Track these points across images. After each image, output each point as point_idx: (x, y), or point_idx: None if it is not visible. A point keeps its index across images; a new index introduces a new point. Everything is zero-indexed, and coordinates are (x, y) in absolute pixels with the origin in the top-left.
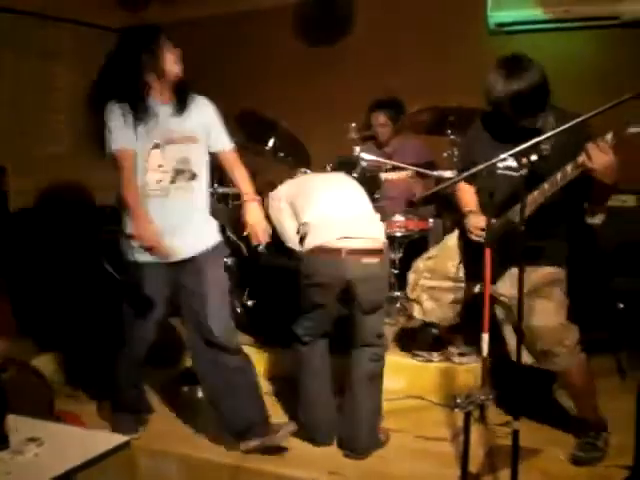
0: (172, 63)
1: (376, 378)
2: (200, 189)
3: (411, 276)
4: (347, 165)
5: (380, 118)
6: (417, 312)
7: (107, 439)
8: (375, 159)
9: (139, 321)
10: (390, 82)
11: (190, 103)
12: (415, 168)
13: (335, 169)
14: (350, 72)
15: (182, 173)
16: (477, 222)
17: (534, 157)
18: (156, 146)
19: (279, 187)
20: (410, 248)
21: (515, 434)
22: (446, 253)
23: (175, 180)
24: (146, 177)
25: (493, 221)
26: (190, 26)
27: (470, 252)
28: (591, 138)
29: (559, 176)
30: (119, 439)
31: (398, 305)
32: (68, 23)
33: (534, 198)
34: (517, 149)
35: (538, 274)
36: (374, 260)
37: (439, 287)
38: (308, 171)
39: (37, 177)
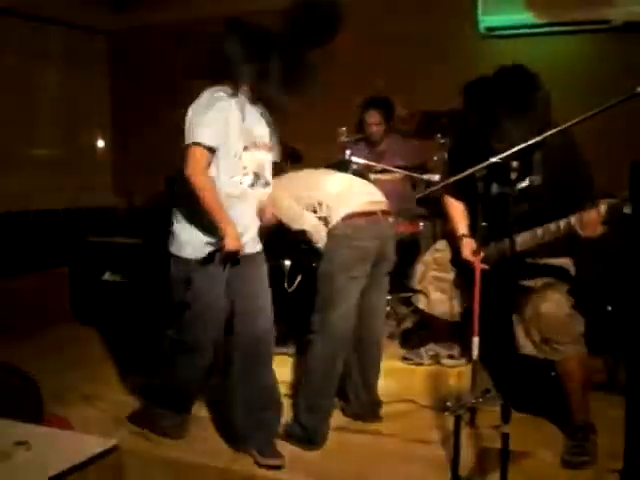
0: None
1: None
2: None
3: (419, 268)
4: (342, 168)
5: (374, 117)
6: (422, 304)
7: (96, 443)
8: (365, 162)
9: (210, 321)
10: (381, 85)
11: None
12: (404, 171)
13: None
14: (341, 75)
15: (259, 179)
16: (470, 248)
17: (524, 184)
18: (245, 148)
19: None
20: (401, 251)
21: (505, 437)
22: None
23: (254, 185)
24: (233, 179)
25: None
26: (181, 28)
27: (462, 266)
28: (582, 169)
29: (553, 228)
30: (108, 443)
31: (388, 309)
32: (56, 24)
33: (526, 240)
34: (496, 158)
35: (550, 263)
36: (392, 219)
37: (447, 279)
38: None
39: (22, 178)
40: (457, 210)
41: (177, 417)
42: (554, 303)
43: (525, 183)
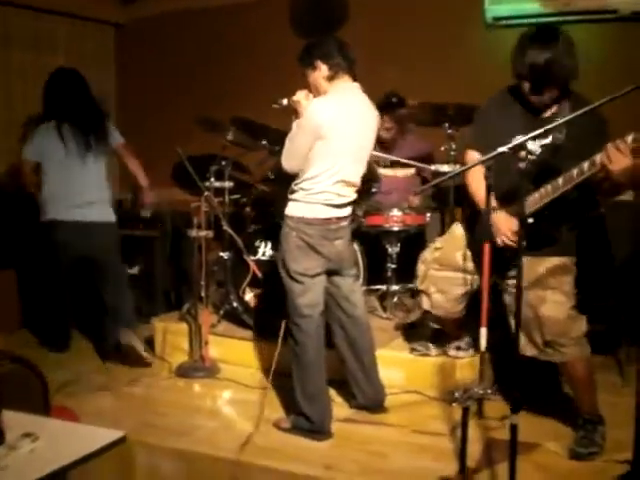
0: None
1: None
2: None
3: (420, 267)
4: None
5: (385, 121)
6: (426, 304)
7: (103, 434)
8: (373, 153)
9: None
10: (387, 76)
11: None
12: (411, 162)
13: None
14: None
15: None
16: (510, 225)
17: (545, 141)
18: None
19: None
20: (407, 243)
21: (513, 428)
22: (453, 243)
23: None
24: None
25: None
26: (187, 17)
27: (478, 246)
28: (606, 133)
29: (575, 173)
30: (115, 434)
31: (395, 300)
32: (63, 16)
33: (547, 192)
34: (528, 136)
35: (548, 263)
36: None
37: (447, 278)
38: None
39: None
40: (482, 181)
41: None
42: (554, 305)
43: (548, 140)
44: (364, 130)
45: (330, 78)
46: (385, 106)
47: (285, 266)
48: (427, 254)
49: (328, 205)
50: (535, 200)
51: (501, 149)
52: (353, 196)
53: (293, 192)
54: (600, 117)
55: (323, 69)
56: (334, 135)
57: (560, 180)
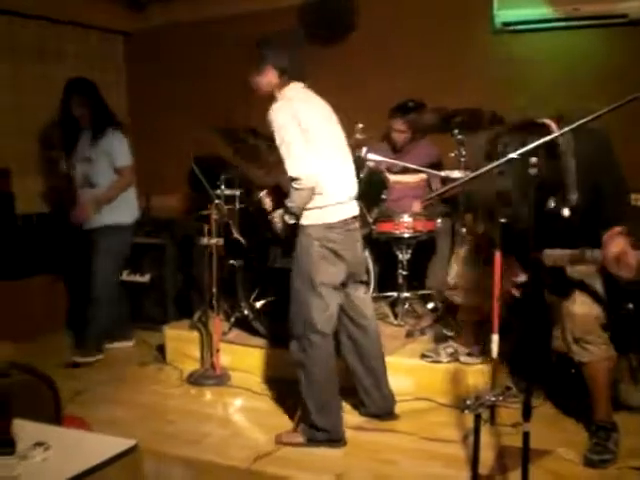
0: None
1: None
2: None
3: (454, 265)
4: (355, 165)
5: (398, 124)
6: (458, 298)
7: (114, 443)
8: (382, 159)
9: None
10: (396, 83)
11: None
12: (421, 168)
13: None
14: (354, 73)
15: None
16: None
17: (566, 212)
18: None
19: (290, 105)
20: (418, 249)
21: (525, 435)
22: None
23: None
24: None
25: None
26: (193, 27)
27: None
28: (611, 161)
29: (587, 255)
30: (127, 443)
31: (406, 306)
32: (70, 25)
33: (561, 257)
34: (536, 143)
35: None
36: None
37: (481, 273)
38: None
39: (40, 179)
40: None
41: None
42: (585, 303)
43: (566, 212)
44: (335, 125)
45: (280, 84)
46: (402, 109)
47: (310, 278)
48: (461, 251)
49: (340, 204)
50: (554, 258)
51: (511, 155)
52: (355, 191)
53: None
54: (604, 144)
55: (273, 74)
56: (312, 126)
57: (577, 252)
